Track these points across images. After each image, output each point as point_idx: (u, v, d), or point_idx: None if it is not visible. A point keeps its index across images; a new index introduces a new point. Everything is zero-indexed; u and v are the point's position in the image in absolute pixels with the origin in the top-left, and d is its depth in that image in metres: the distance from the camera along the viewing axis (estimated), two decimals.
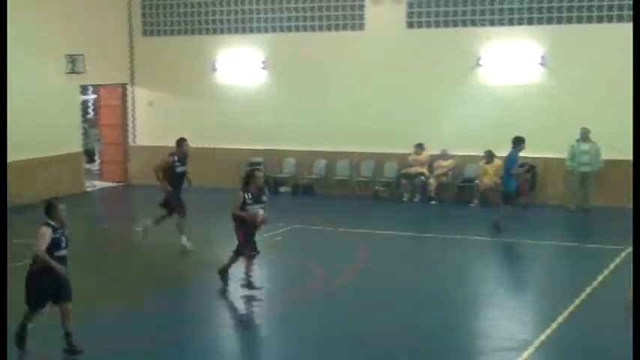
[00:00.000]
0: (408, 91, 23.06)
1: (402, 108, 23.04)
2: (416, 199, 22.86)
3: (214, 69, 25.29)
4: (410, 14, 23.23)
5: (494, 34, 22.37)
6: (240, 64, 25.01)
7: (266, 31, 24.74)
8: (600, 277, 14.67)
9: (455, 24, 22.79)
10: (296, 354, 11.34)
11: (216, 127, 25.11)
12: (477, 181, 22.21)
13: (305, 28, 24.33)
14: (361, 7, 23.74)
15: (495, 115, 22.12)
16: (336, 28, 24.03)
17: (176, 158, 17.09)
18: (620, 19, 21.27)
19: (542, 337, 11.60)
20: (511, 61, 22.29)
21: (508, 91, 22.28)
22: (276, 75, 24.74)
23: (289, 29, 24.47)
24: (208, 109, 25.31)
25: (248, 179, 13.97)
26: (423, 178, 22.72)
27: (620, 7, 21.27)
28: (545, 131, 21.24)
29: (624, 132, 20.23)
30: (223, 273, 14.26)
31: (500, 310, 13.32)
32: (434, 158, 22.96)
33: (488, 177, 21.95)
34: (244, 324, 13.14)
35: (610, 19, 21.40)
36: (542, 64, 22.01)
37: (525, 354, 10.97)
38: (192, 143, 17.70)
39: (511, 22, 22.28)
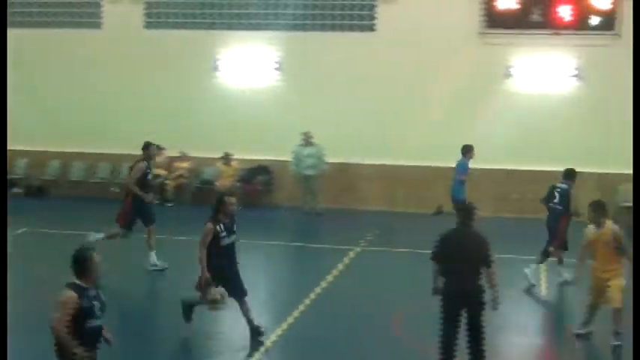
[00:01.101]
0: (145, 93, 22.86)
1: (138, 109, 22.82)
2: (154, 201, 22.68)
3: None
4: (148, 15, 23.09)
5: (232, 37, 22.65)
6: None
7: (12, 26, 23.69)
8: (330, 277, 15.22)
9: (193, 26, 22.85)
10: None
11: None
12: (216, 183, 22.38)
13: (40, 25, 23.54)
14: (98, 5, 23.30)
15: (232, 117, 22.36)
16: (72, 25, 23.41)
17: (147, 164, 15.50)
18: (359, 28, 22.18)
19: (274, 337, 11.91)
20: (248, 65, 22.66)
21: (245, 95, 22.63)
22: (10, 71, 23.71)
23: (22, 25, 23.51)
24: None
25: (218, 206, 11.79)
26: (160, 179, 22.60)
27: (352, 17, 22.19)
28: (281, 134, 21.74)
29: (353, 136, 21.25)
30: (187, 310, 12.15)
31: (233, 312, 13.48)
32: (172, 160, 22.92)
33: (227, 178, 22.19)
34: None
35: (343, 28, 22.24)
36: (278, 68, 22.52)
37: (258, 354, 11.23)
38: None
39: (248, 27, 22.63)
